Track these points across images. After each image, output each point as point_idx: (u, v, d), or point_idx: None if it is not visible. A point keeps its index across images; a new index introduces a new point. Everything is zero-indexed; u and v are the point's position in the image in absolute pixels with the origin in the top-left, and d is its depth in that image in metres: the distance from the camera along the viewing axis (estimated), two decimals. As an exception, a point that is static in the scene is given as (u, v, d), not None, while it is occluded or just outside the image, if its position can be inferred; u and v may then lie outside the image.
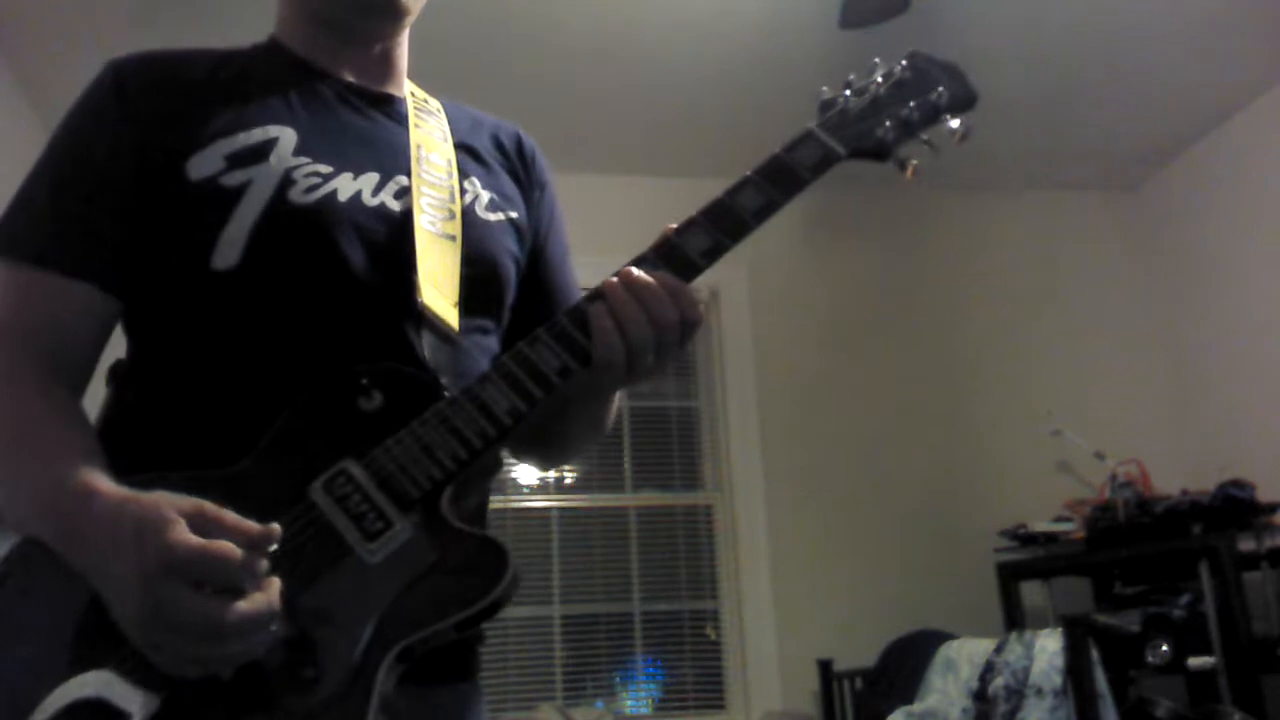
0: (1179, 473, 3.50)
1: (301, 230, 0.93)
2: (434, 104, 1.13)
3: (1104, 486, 3.55)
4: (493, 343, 1.05)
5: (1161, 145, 3.97)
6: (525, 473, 3.76)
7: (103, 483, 0.81)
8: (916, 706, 2.93)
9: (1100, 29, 3.23)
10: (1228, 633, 2.81)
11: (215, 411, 0.92)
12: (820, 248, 3.94)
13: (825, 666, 3.39)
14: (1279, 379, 3.52)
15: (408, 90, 1.13)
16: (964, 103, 0.99)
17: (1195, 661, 2.86)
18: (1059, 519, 3.54)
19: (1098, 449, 3.63)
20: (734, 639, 3.64)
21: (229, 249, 0.92)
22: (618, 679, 3.68)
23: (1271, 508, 3.07)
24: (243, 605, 0.74)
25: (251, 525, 0.76)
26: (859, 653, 3.36)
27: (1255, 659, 2.79)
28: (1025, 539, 3.49)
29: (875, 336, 3.97)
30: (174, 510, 0.75)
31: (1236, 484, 3.10)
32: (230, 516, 0.77)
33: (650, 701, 3.67)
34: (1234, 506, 3.05)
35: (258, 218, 0.92)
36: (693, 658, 3.68)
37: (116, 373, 0.99)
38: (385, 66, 1.11)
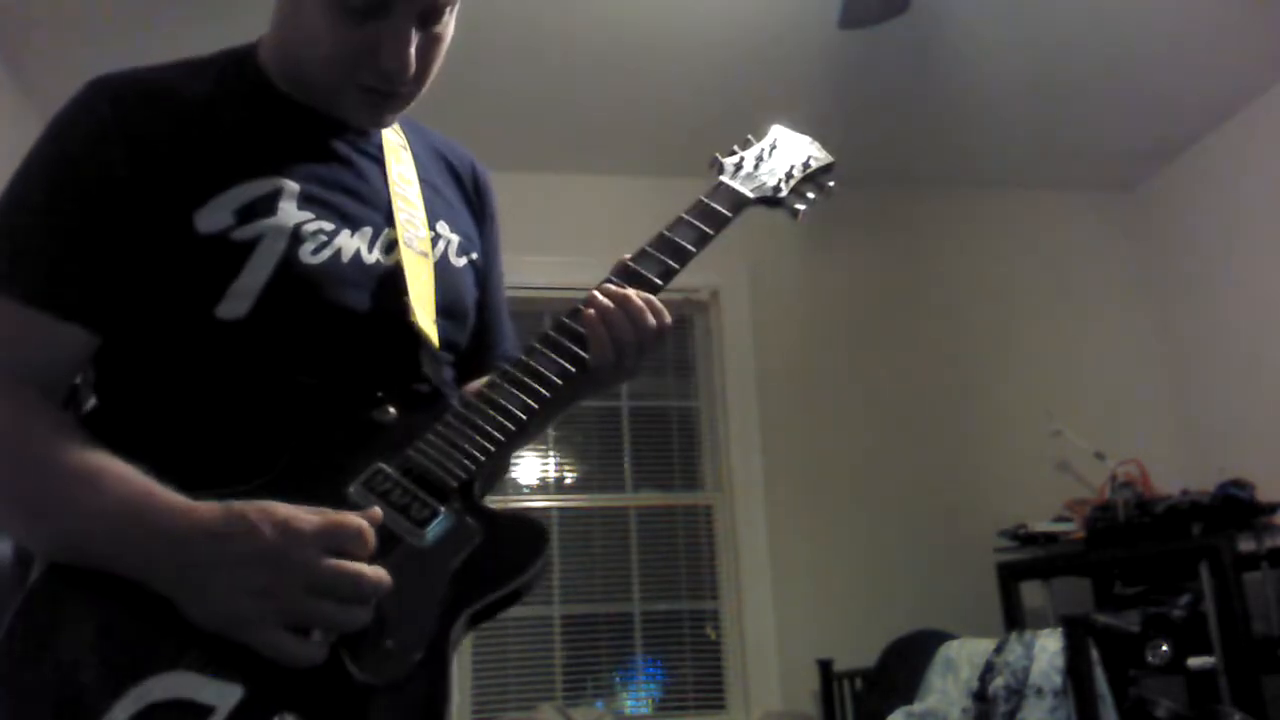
0: (1179, 473, 3.50)
1: (312, 289, 0.97)
2: (398, 133, 1.14)
3: (1104, 486, 3.55)
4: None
5: (1161, 145, 3.97)
6: (525, 472, 3.77)
7: (178, 497, 0.84)
8: (916, 707, 2.93)
9: (1100, 29, 3.23)
10: (1228, 633, 2.81)
11: (213, 450, 0.93)
12: (819, 248, 3.94)
13: (825, 666, 3.39)
14: (1279, 379, 3.52)
15: None
16: (828, 166, 1.23)
17: (1195, 661, 2.87)
18: (1059, 519, 3.54)
19: (1098, 449, 3.63)
20: (734, 639, 3.63)
21: (238, 302, 0.94)
22: (618, 679, 3.68)
23: (1271, 508, 3.07)
24: (374, 568, 0.82)
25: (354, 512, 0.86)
26: (859, 653, 3.36)
27: (1255, 659, 2.79)
28: (1025, 539, 3.48)
29: (875, 336, 3.97)
30: (282, 503, 0.83)
31: (1236, 484, 3.10)
32: (327, 508, 0.85)
33: (650, 701, 3.67)
34: (1234, 506, 3.05)
35: (270, 275, 0.95)
36: (693, 658, 3.68)
37: (73, 404, 0.99)
38: None
